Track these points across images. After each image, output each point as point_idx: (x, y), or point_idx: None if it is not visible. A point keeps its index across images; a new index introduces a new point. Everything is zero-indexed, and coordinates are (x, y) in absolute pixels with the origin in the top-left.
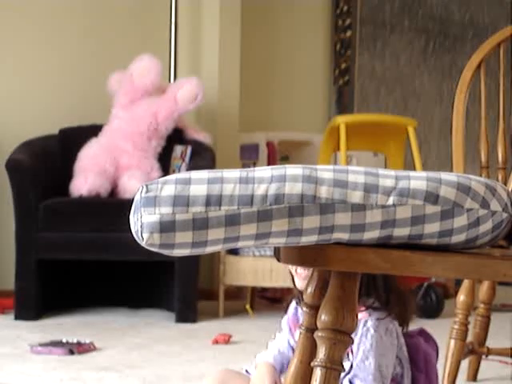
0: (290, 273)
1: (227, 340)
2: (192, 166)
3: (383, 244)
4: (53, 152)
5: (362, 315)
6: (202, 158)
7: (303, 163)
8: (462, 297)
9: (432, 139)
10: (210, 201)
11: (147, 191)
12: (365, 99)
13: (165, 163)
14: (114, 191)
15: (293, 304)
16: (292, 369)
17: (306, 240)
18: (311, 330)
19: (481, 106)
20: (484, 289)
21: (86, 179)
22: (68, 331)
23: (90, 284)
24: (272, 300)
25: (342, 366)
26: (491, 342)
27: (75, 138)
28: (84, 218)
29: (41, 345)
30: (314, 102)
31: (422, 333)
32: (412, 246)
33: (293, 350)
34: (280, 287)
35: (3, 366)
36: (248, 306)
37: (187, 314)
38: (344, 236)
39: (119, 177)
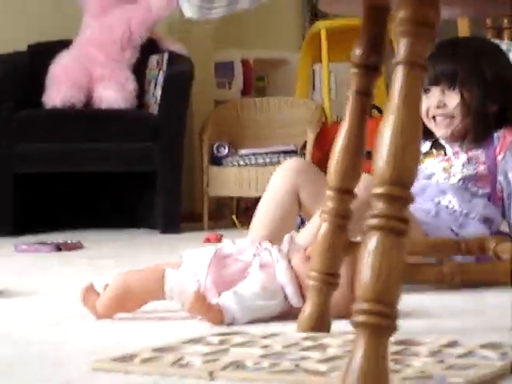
0: None
1: (219, 238)
2: (170, 73)
3: None
4: (23, 67)
5: None
6: (180, 64)
7: (280, 83)
8: None
9: None
10: None
11: None
12: None
13: (140, 76)
14: (88, 104)
15: None
16: (341, 140)
17: None
18: (363, 93)
19: None
20: None
21: (58, 91)
22: None
23: (71, 204)
24: None
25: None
26: None
27: (45, 53)
28: (60, 129)
29: (26, 244)
30: (288, 15)
31: None
32: None
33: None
34: None
35: None
36: (234, 217)
37: (172, 227)
38: None
39: (93, 88)
